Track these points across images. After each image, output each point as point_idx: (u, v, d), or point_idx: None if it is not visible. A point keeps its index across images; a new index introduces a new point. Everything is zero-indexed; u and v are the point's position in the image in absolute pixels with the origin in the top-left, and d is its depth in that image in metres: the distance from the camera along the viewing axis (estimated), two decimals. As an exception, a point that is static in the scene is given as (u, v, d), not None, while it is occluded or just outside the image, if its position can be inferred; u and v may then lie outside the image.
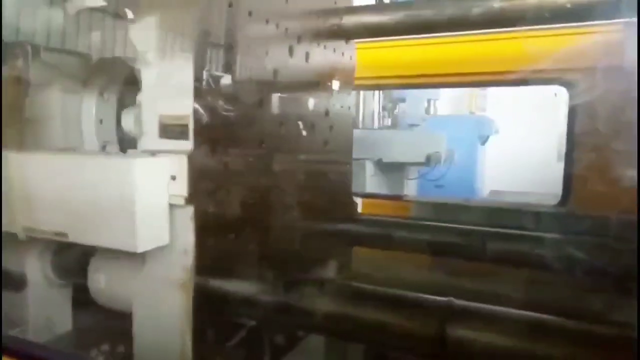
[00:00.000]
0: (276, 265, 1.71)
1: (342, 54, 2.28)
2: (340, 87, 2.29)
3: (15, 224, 1.48)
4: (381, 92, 5.68)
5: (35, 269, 1.75)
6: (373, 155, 4.68)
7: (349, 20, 2.15)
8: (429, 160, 4.77)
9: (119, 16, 1.81)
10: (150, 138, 1.41)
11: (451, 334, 1.18)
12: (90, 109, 1.85)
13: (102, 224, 1.33)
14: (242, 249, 1.62)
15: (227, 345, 1.59)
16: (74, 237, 1.39)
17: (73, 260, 1.79)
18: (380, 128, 5.75)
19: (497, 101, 7.80)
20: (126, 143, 2.00)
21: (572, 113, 2.49)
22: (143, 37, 1.40)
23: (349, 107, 2.40)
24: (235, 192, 1.58)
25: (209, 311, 1.45)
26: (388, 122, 6.02)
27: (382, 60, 2.94)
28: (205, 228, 1.40)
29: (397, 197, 3.84)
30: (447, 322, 1.19)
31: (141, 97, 1.46)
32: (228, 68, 1.52)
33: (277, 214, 1.84)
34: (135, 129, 1.50)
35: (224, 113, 1.49)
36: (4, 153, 1.49)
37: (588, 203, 2.33)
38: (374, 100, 5.76)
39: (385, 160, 4.71)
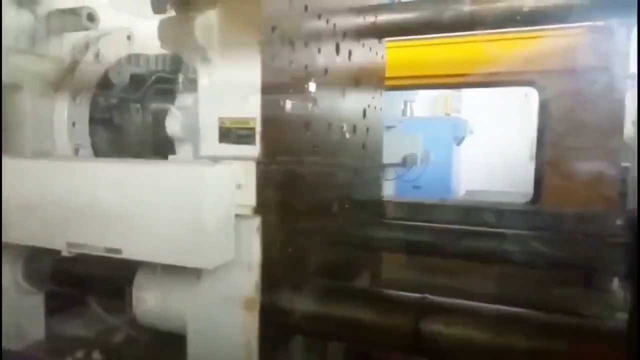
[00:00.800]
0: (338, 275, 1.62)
1: (376, 52, 2.15)
2: (375, 87, 2.17)
3: (57, 239, 1.34)
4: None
5: (6, 276, 1.72)
6: (350, 157, 4.70)
7: (383, 18, 2.06)
8: (405, 162, 4.82)
9: (92, 18, 1.78)
10: (208, 143, 1.29)
11: (425, 328, 1.21)
12: (62, 112, 1.82)
13: (165, 238, 1.19)
14: (309, 260, 1.51)
15: None
16: (129, 253, 1.25)
17: (45, 268, 1.76)
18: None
19: (472, 103, 7.95)
20: (98, 147, 1.98)
21: (542, 113, 2.57)
22: (205, 32, 1.26)
23: (381, 108, 2.29)
24: (298, 200, 1.46)
25: (278, 331, 1.34)
26: (365, 124, 6.06)
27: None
28: (271, 240, 1.28)
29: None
30: (421, 318, 1.22)
31: (191, 98, 1.34)
32: (290, 65, 1.39)
33: (335, 221, 1.73)
34: (182, 133, 1.38)
35: (285, 115, 1.36)
36: (39, 162, 1.39)
37: (557, 200, 2.40)
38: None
39: (362, 162, 4.74)
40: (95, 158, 1.52)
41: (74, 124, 1.85)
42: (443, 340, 1.22)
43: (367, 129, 2.04)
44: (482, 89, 6.64)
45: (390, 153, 4.88)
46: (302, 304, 1.35)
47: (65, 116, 1.82)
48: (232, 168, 1.23)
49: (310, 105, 1.51)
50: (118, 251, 1.25)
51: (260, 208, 1.24)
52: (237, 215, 1.25)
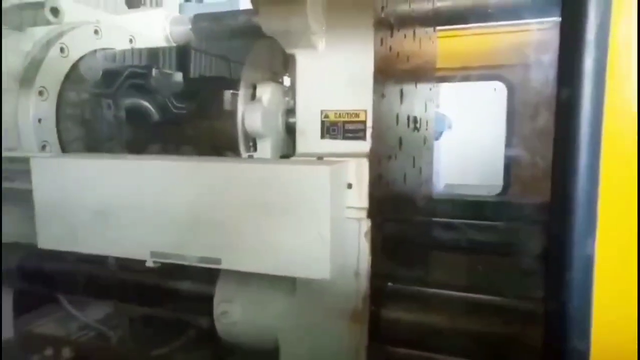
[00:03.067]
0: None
1: (432, 42, 2.00)
2: (433, 79, 2.03)
3: (139, 247, 1.18)
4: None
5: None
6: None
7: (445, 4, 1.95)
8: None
9: (56, 12, 1.76)
10: (308, 138, 1.17)
11: (386, 316, 1.23)
12: (27, 108, 1.80)
13: (272, 246, 1.05)
14: (417, 265, 1.43)
15: None
16: (230, 264, 1.10)
17: (14, 265, 1.75)
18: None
19: (450, 98, 8.03)
20: (67, 144, 1.96)
21: (509, 108, 2.63)
22: (311, 14, 1.10)
23: (434, 102, 2.13)
24: (402, 201, 1.36)
25: (390, 345, 1.23)
26: (344, 119, 6.09)
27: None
28: (382, 245, 1.17)
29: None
30: (382, 305, 1.24)
31: (278, 89, 1.24)
32: (392, 52, 1.25)
33: (421, 221, 1.65)
34: (263, 127, 1.25)
35: (388, 107, 1.23)
36: (116, 161, 1.22)
37: (523, 192, 2.47)
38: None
39: (340, 156, 4.77)
40: (183, 157, 1.29)
41: (40, 120, 1.83)
42: (403, 327, 1.25)
43: (427, 123, 1.89)
44: (459, 85, 6.72)
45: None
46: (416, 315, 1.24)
47: (30, 112, 1.80)
48: (344, 166, 1.11)
49: (398, 96, 1.37)
50: (217, 261, 1.11)
51: (372, 210, 1.12)
52: (347, 219, 1.14)
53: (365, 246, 1.12)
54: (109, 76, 1.95)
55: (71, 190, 1.23)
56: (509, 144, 2.67)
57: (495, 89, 2.77)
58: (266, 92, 1.24)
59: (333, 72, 1.13)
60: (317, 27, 1.12)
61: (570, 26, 0.66)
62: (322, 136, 1.15)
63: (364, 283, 1.13)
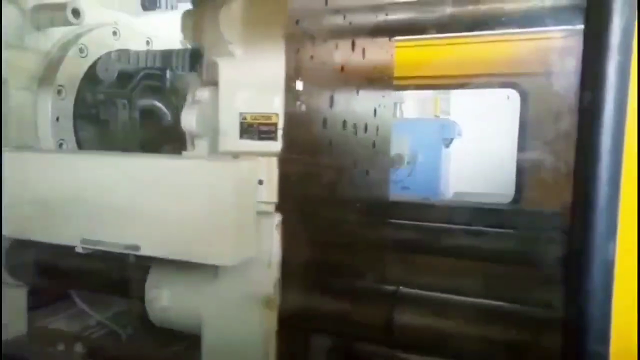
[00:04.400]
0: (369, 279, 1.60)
1: (387, 51, 2.13)
2: (385, 86, 2.14)
3: (71, 235, 1.31)
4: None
5: (-11, 269, 1.72)
6: (339, 157, 4.74)
7: (395, 16, 2.03)
8: (392, 162, 4.87)
9: (77, 13, 1.80)
10: (229, 138, 1.27)
11: (398, 320, 1.24)
12: (46, 106, 1.83)
13: (185, 235, 1.17)
14: (329, 258, 1.50)
15: None
16: (149, 251, 1.23)
17: (28, 262, 1.77)
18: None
19: (461, 105, 8.02)
20: (84, 142, 1.99)
21: (523, 116, 2.62)
22: (228, 25, 1.23)
23: (390, 108, 2.28)
24: (318, 197, 1.44)
25: (298, 330, 1.33)
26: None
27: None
28: (292, 237, 1.26)
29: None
30: (395, 310, 1.25)
31: (209, 92, 1.31)
32: (311, 61, 1.35)
33: (352, 220, 1.71)
34: (198, 128, 1.34)
35: (306, 112, 1.33)
36: (52, 155, 1.37)
37: (537, 201, 2.45)
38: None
39: (350, 161, 4.79)
40: (112, 152, 1.46)
41: (57, 118, 1.86)
42: (416, 332, 1.26)
43: (377, 128, 2.01)
44: (471, 92, 6.72)
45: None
46: (321, 302, 1.34)
47: (49, 111, 1.83)
48: (253, 164, 1.22)
49: (327, 102, 1.49)
50: (136, 248, 1.23)
51: (282, 205, 1.23)
52: (259, 212, 1.23)
53: (277, 238, 1.23)
54: (125, 77, 1.98)
55: (21, 183, 1.37)
56: (521, 152, 2.65)
57: (508, 97, 2.76)
58: (204, 95, 1.33)
59: (249, 79, 1.24)
60: (233, 38, 1.23)
61: (594, 31, 0.66)
62: (241, 136, 1.25)
63: (275, 272, 1.23)
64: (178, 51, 1.85)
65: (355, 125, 1.74)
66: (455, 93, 7.74)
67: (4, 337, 1.75)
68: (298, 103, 1.28)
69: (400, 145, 5.11)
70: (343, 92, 1.61)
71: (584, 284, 0.68)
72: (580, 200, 0.69)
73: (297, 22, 1.25)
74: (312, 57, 1.35)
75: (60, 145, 1.88)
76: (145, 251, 1.22)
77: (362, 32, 1.77)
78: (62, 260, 1.72)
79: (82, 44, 1.91)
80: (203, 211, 1.14)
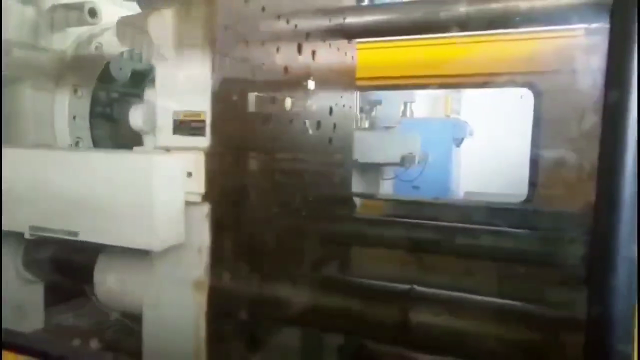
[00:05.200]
0: (295, 265, 1.70)
1: (345, 53, 2.26)
2: (343, 86, 2.26)
3: (20, 222, 1.42)
4: (358, 94, 5.76)
5: (7, 265, 1.75)
6: (349, 156, 4.75)
7: (354, 19, 2.13)
8: (403, 161, 4.86)
9: (94, 13, 1.81)
10: (164, 134, 1.38)
11: (413, 319, 1.24)
12: (63, 105, 1.86)
13: (118, 222, 1.28)
14: (258, 247, 1.58)
15: (243, 347, 1.54)
16: (85, 236, 1.35)
17: (45, 258, 1.79)
18: (357, 129, 5.83)
19: (471, 104, 7.98)
20: (99, 140, 2.02)
21: (536, 115, 2.60)
22: (159, 30, 1.34)
23: (350, 107, 2.39)
24: (250, 189, 1.53)
25: (225, 312, 1.41)
26: (365, 124, 6.10)
27: (359, 61, 3.00)
28: (220, 226, 1.36)
29: (370, 196, 3.91)
30: (409, 309, 1.25)
31: (153, 93, 1.41)
32: (244, 63, 1.48)
33: (289, 212, 1.79)
34: (145, 125, 1.46)
35: (240, 109, 1.45)
36: (4, 149, 1.43)
37: (550, 200, 2.43)
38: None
39: (360, 160, 4.78)
40: (56, 147, 1.61)
41: (74, 117, 1.89)
42: (431, 331, 1.26)
43: (335, 126, 2.15)
44: (482, 91, 6.67)
45: (388, 152, 4.93)
46: (254, 287, 1.47)
47: (66, 109, 1.86)
48: (181, 157, 1.33)
49: (267, 101, 1.60)
50: (75, 234, 1.35)
51: (210, 196, 1.33)
52: (188, 202, 1.34)
53: (206, 226, 1.32)
54: (139, 75, 2.00)
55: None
56: (535, 151, 2.64)
57: (522, 96, 2.74)
58: (152, 95, 1.42)
59: (181, 79, 1.35)
60: (163, 42, 1.34)
61: (620, 29, 0.66)
62: (174, 132, 1.36)
63: (205, 257, 1.33)
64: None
65: (305, 123, 1.87)
66: (466, 92, 7.70)
67: (22, 331, 1.78)
68: (230, 101, 1.40)
69: (411, 145, 5.09)
70: (287, 92, 1.73)
71: (608, 283, 0.67)
72: (605, 198, 0.69)
73: (226, 27, 1.36)
74: (246, 59, 1.47)
75: (77, 143, 1.91)
76: (83, 237, 1.34)
77: (308, 35, 1.87)
78: (77, 255, 1.74)
79: (97, 43, 1.93)
80: (134, 200, 1.25)
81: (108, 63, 2.00)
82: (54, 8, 1.84)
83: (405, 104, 6.58)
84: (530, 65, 2.46)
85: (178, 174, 1.32)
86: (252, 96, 1.49)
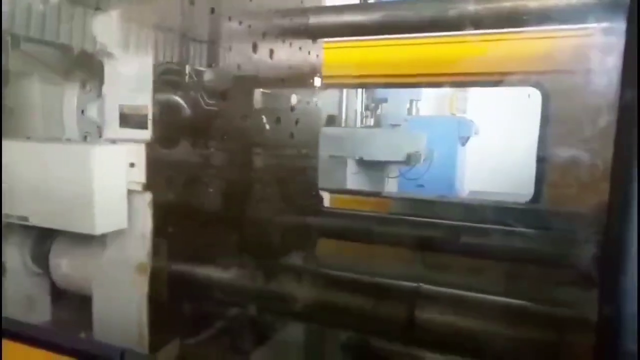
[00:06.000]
0: (236, 252, 1.76)
1: (309, 52, 2.35)
2: (306, 84, 2.36)
3: None
4: (364, 92, 5.75)
5: (14, 257, 1.76)
6: (354, 153, 4.75)
7: (317, 19, 2.22)
8: (408, 159, 4.86)
9: (100, 9, 1.81)
10: (112, 127, 1.48)
11: (420, 317, 1.24)
12: (71, 100, 1.86)
13: (63, 207, 1.39)
14: (200, 235, 1.67)
15: (184, 327, 1.63)
16: (35, 221, 1.45)
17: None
18: (362, 127, 5.82)
19: (478, 103, 7.94)
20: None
21: (544, 115, 2.59)
22: (105, 29, 1.47)
23: (316, 104, 2.49)
24: (193, 180, 1.63)
25: (166, 294, 1.51)
26: (371, 121, 6.10)
27: (365, 59, 3.00)
28: (163, 214, 1.46)
29: (375, 194, 3.91)
30: (416, 306, 1.25)
31: (105, 88, 1.53)
32: (188, 61, 1.59)
33: (236, 203, 1.89)
34: (99, 118, 1.58)
35: (185, 105, 1.55)
36: None
37: (556, 200, 2.42)
38: (357, 100, 5.83)
39: (366, 158, 4.78)
40: (15, 138, 1.65)
41: (82, 111, 1.89)
42: (437, 329, 1.26)
43: (297, 121, 2.26)
44: (488, 90, 6.64)
45: (394, 150, 4.93)
46: (194, 272, 1.58)
47: (74, 104, 1.86)
48: (123, 148, 1.42)
49: (218, 97, 1.69)
50: (26, 219, 1.46)
51: (151, 185, 1.43)
52: (131, 191, 1.43)
53: (148, 213, 1.42)
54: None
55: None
56: (541, 150, 2.63)
57: (529, 95, 2.73)
58: (106, 89, 1.52)
59: (126, 76, 1.45)
60: (108, 41, 1.45)
61: (637, 27, 0.65)
62: (120, 125, 1.46)
63: (148, 242, 1.43)
64: (195, 45, 1.88)
65: (263, 118, 1.98)
66: (472, 91, 7.66)
67: (29, 322, 1.79)
68: (172, 96, 1.50)
69: (416, 143, 5.08)
70: (241, 88, 1.83)
71: (619, 283, 0.67)
72: (617, 197, 0.69)
73: (169, 29, 1.47)
74: (192, 57, 1.58)
75: (85, 137, 1.91)
76: (32, 221, 1.45)
77: (265, 35, 1.96)
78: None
79: (106, 37, 1.94)
80: (77, 188, 1.35)
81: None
82: (63, 2, 1.84)
83: (411, 102, 6.57)
84: (538, 64, 2.45)
85: (120, 164, 1.42)
86: (195, 92, 1.59)
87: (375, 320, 1.32)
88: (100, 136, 1.97)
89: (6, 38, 1.70)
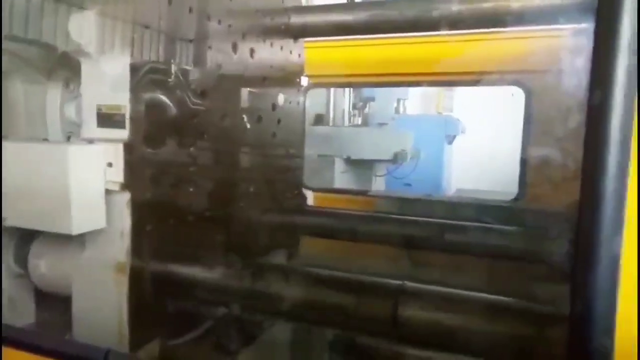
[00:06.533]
0: (215, 250, 1.78)
1: (290, 51, 2.36)
2: (288, 83, 2.37)
3: None
4: (352, 91, 5.77)
5: (-3, 259, 1.74)
6: (342, 152, 4.77)
7: (299, 19, 2.24)
8: (395, 158, 4.88)
9: (84, 7, 1.80)
10: (89, 127, 1.47)
11: (403, 314, 1.26)
12: (54, 99, 1.84)
13: (40, 208, 1.38)
14: (179, 234, 1.67)
15: (163, 326, 1.63)
16: (12, 221, 1.45)
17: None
18: (350, 126, 5.84)
19: (464, 102, 8.01)
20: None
21: (527, 114, 2.63)
22: (82, 29, 1.45)
23: (298, 103, 2.49)
24: (172, 180, 1.63)
25: (146, 293, 1.52)
26: (358, 120, 6.12)
27: (352, 58, 3.01)
28: (141, 213, 1.46)
29: (362, 192, 3.93)
30: (399, 303, 1.26)
31: (82, 88, 1.51)
32: (168, 60, 1.59)
33: (218, 202, 1.88)
34: (77, 118, 1.56)
35: (163, 104, 1.55)
36: None
37: (540, 198, 2.46)
38: (345, 99, 5.84)
39: (353, 157, 4.80)
40: None
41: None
42: (421, 326, 1.27)
43: (279, 120, 2.25)
44: (473, 89, 6.71)
45: (381, 149, 4.95)
46: (173, 271, 1.58)
47: (57, 104, 1.84)
48: (101, 148, 1.42)
49: (198, 97, 1.69)
50: (4, 219, 1.44)
51: (129, 184, 1.42)
52: (109, 191, 1.43)
53: (127, 213, 1.42)
54: (131, 70, 1.97)
55: None
56: (525, 149, 2.66)
57: (512, 94, 2.76)
58: (84, 89, 1.51)
59: (103, 76, 1.44)
60: (84, 40, 1.42)
61: (604, 30, 0.67)
62: (98, 125, 1.44)
63: (126, 242, 1.42)
64: (181, 44, 1.88)
65: (243, 118, 1.98)
66: (458, 90, 7.73)
67: (14, 324, 1.77)
68: (149, 96, 1.49)
69: (403, 142, 5.11)
70: (223, 87, 1.83)
71: (590, 278, 0.69)
72: (588, 195, 0.71)
73: (146, 27, 1.48)
74: (171, 57, 1.59)
75: (69, 137, 1.89)
76: (10, 222, 1.44)
77: (245, 34, 1.96)
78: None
79: (90, 37, 1.92)
80: (54, 188, 1.34)
81: (100, 57, 1.98)
82: (45, 1, 1.82)
83: (398, 101, 6.60)
84: (520, 63, 2.48)
85: (97, 164, 1.41)
86: (173, 92, 1.58)
87: (359, 318, 1.33)
88: (84, 136, 1.97)
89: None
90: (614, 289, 0.69)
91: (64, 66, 1.87)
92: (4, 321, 1.60)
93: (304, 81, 2.52)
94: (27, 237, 1.74)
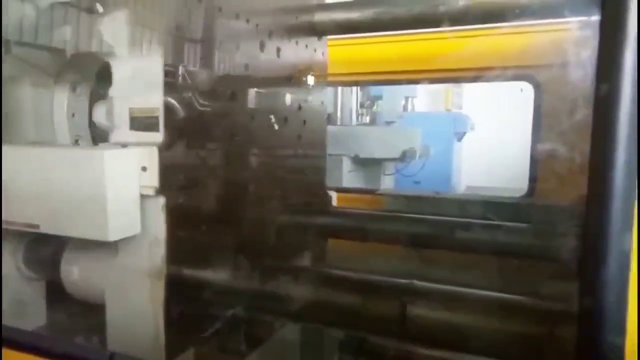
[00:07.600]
0: (250, 256, 1.74)
1: (315, 50, 2.33)
2: (313, 83, 2.31)
3: None
4: (359, 89, 5.76)
5: (8, 262, 1.76)
6: (350, 151, 4.75)
7: (322, 16, 2.21)
8: (404, 156, 4.86)
9: (93, 12, 1.81)
10: (121, 130, 1.44)
11: (412, 313, 1.25)
12: (62, 103, 1.85)
13: (74, 214, 1.35)
14: (215, 239, 1.64)
15: (200, 335, 1.61)
16: (46, 228, 1.40)
17: (46, 255, 1.80)
18: (358, 125, 5.83)
19: (473, 98, 7.95)
20: (98, 137, 2.02)
21: (536, 109, 2.59)
22: (113, 31, 1.42)
23: (322, 102, 2.46)
24: (206, 183, 1.60)
25: (182, 300, 1.48)
26: (366, 119, 6.10)
27: (359, 56, 3.01)
28: (177, 218, 1.42)
29: (370, 191, 3.92)
30: (408, 302, 1.26)
31: (113, 90, 1.48)
32: (200, 63, 1.56)
33: (250, 205, 1.87)
34: (107, 122, 1.52)
35: (196, 106, 1.52)
36: None
37: (550, 194, 2.43)
38: (352, 98, 5.83)
39: (361, 156, 4.79)
40: (21, 144, 1.64)
41: (73, 115, 1.89)
42: (430, 325, 1.26)
43: (304, 122, 2.22)
44: (483, 85, 6.65)
45: (389, 147, 4.93)
46: (210, 277, 1.56)
47: (65, 107, 1.86)
48: (135, 152, 1.38)
49: (228, 98, 1.68)
50: (37, 226, 1.41)
51: (164, 189, 1.39)
52: (144, 195, 1.39)
53: (162, 217, 1.38)
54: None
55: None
56: (534, 145, 2.63)
57: (522, 90, 2.73)
58: (115, 91, 1.48)
59: (135, 78, 1.41)
60: (116, 42, 1.41)
61: (610, 22, 0.66)
62: (131, 128, 1.41)
63: (162, 247, 1.39)
64: (189, 47, 1.87)
65: (269, 119, 1.94)
66: (467, 86, 7.67)
67: (25, 327, 1.79)
68: (190, 97, 1.48)
69: (412, 140, 5.09)
70: (248, 89, 1.80)
71: (600, 275, 0.68)
72: (596, 190, 0.69)
73: (178, 28, 1.47)
74: (201, 58, 1.56)
75: (76, 141, 1.91)
76: (43, 229, 1.40)
77: (271, 33, 1.94)
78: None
79: (97, 40, 1.93)
80: (88, 194, 1.31)
81: (107, 60, 2.00)
82: (54, 6, 1.84)
83: (406, 99, 6.56)
84: (528, 58, 2.45)
85: (132, 169, 1.38)
86: (207, 93, 1.57)
87: (368, 317, 1.32)
88: (92, 140, 1.98)
89: (-3, 44, 1.70)
90: (625, 287, 0.68)
91: (72, 70, 1.89)
92: (10, 323, 1.62)
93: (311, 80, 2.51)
94: (38, 239, 1.76)
